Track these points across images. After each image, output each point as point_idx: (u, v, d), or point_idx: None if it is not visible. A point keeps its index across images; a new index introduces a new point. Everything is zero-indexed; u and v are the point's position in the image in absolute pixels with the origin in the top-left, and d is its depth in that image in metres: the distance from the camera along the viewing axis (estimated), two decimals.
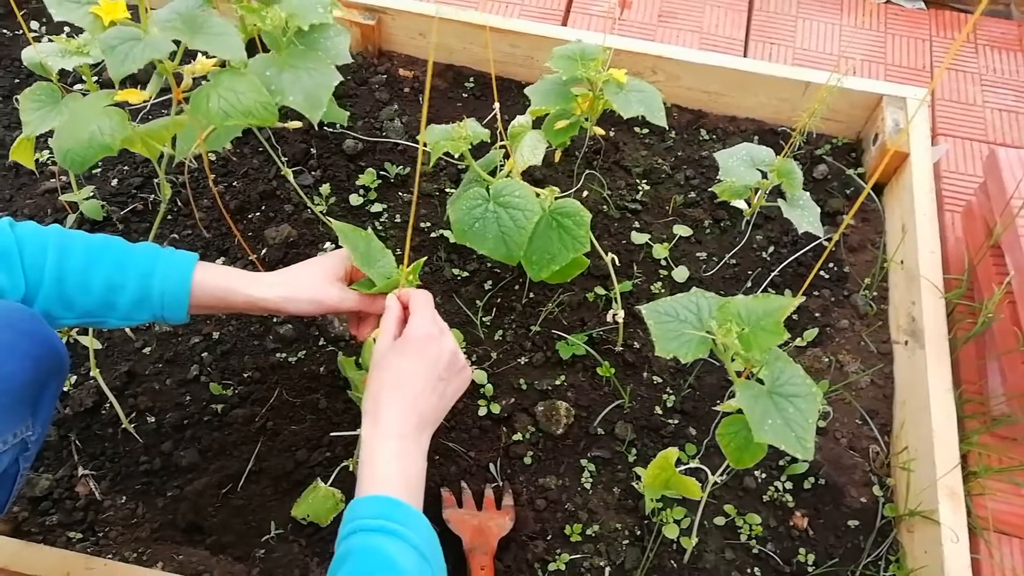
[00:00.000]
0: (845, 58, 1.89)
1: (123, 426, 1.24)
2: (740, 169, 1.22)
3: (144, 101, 0.97)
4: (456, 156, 1.14)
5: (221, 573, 1.13)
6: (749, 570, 1.17)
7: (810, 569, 1.18)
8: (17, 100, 1.10)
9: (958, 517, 1.12)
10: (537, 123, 1.28)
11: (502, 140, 1.24)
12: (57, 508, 1.19)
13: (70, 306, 0.91)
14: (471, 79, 1.71)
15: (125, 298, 0.93)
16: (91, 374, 1.20)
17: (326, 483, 1.14)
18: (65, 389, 1.28)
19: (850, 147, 1.64)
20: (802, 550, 1.19)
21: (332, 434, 1.23)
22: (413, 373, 0.90)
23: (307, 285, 0.98)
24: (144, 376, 1.30)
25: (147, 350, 1.33)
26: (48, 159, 1.53)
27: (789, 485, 1.24)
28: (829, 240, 1.47)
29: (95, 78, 1.15)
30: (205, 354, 1.33)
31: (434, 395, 0.91)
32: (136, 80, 1.54)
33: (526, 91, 1.26)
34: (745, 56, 1.89)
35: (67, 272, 0.90)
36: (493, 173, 1.19)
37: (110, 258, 0.93)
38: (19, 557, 1.08)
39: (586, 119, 1.28)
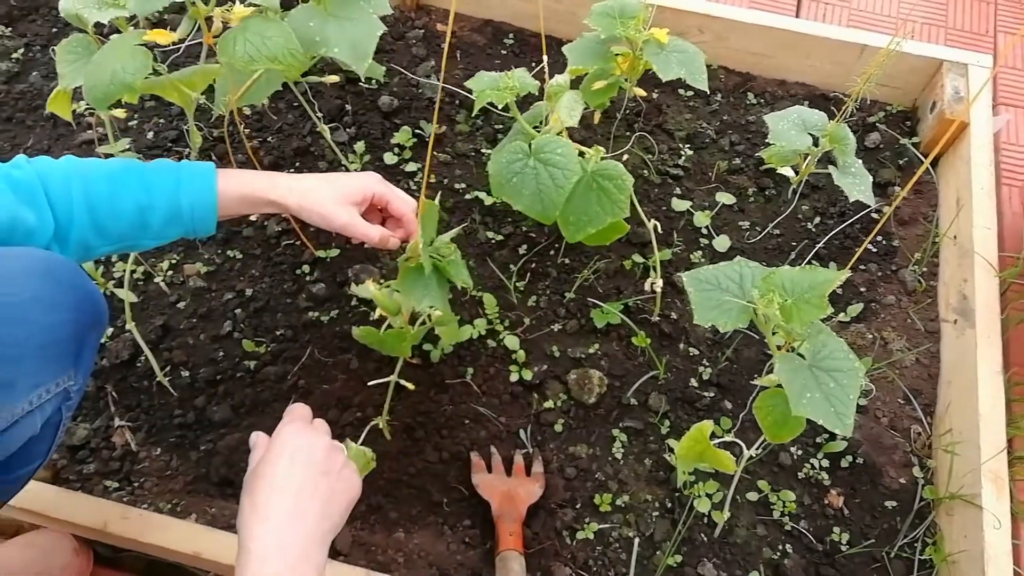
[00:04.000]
0: (904, 20, 1.80)
1: (158, 379, 1.25)
2: (791, 133, 1.17)
3: (173, 43, 0.96)
4: (500, 108, 1.11)
5: None
6: (781, 547, 1.16)
7: (843, 548, 1.15)
8: (54, 51, 1.09)
9: (1001, 503, 1.09)
10: (576, 83, 1.24)
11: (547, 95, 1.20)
12: (94, 457, 1.21)
13: (104, 233, 0.92)
14: (511, 35, 1.67)
15: (157, 217, 0.94)
16: (127, 327, 1.21)
17: (356, 442, 1.14)
18: (103, 341, 1.29)
19: (905, 115, 1.57)
20: (836, 529, 1.17)
21: (370, 382, 1.21)
22: (287, 474, 0.83)
23: (321, 200, 0.99)
24: (178, 330, 1.31)
25: (181, 305, 1.33)
26: (85, 110, 1.53)
27: (826, 463, 1.22)
28: (878, 212, 1.41)
29: (131, 29, 1.14)
30: (238, 310, 1.33)
31: (316, 497, 0.82)
32: (172, 28, 1.52)
33: (564, 49, 1.22)
34: (797, 16, 1.81)
35: (96, 200, 0.91)
36: (539, 129, 1.16)
37: (134, 180, 0.93)
38: (57, 504, 1.10)
39: (626, 80, 1.23)
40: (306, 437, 0.88)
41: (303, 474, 0.84)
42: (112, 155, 1.41)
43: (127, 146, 1.44)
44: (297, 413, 0.93)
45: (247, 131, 1.50)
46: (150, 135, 1.50)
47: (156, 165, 0.96)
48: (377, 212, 1.07)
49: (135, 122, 1.52)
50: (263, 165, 1.45)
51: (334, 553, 1.12)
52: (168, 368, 1.27)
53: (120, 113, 1.50)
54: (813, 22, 1.68)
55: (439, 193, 1.43)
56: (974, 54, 1.49)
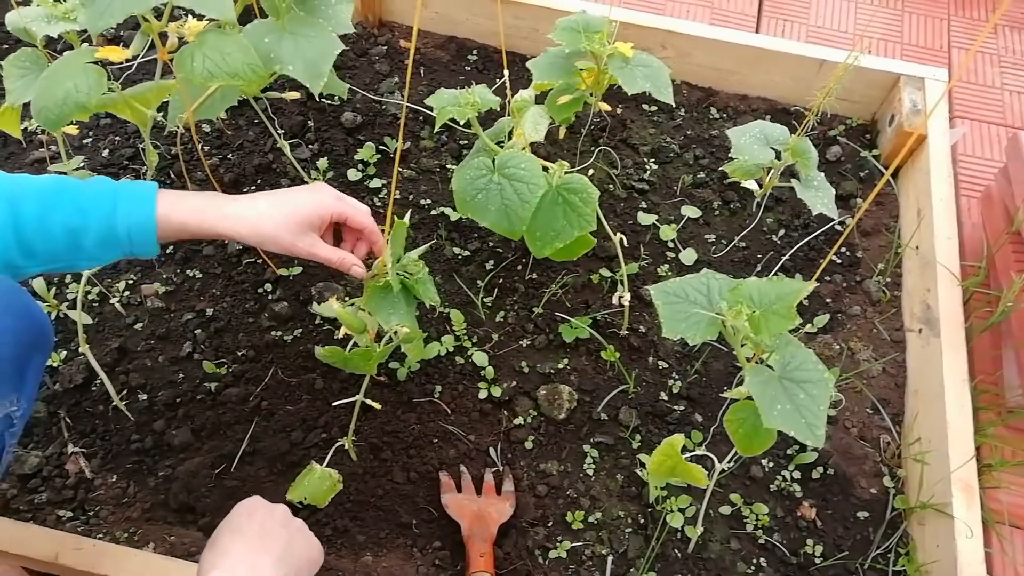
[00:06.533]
0: (861, 36, 1.83)
1: (114, 403, 1.20)
2: (753, 147, 1.18)
3: (126, 60, 0.93)
4: (462, 124, 1.10)
5: None
6: (755, 560, 1.14)
7: (817, 560, 1.15)
8: (1, 66, 1.06)
9: (972, 511, 1.09)
10: (540, 98, 1.24)
11: (510, 111, 1.19)
12: (47, 486, 1.16)
13: (32, 254, 0.88)
14: (474, 52, 1.66)
15: (90, 240, 0.89)
16: (80, 350, 1.16)
17: (321, 464, 1.11)
18: (55, 364, 1.25)
19: (864, 128, 1.59)
20: (809, 541, 1.16)
21: (335, 403, 1.19)
22: (248, 523, 0.84)
23: (278, 229, 0.94)
24: (135, 352, 1.27)
25: (139, 326, 1.29)
26: (37, 127, 1.49)
27: (797, 475, 1.21)
28: (842, 224, 1.43)
29: (84, 45, 1.11)
30: (198, 331, 1.29)
31: (277, 540, 0.84)
32: (126, 45, 1.49)
33: (528, 64, 1.22)
34: (758, 32, 1.84)
35: (24, 219, 0.86)
36: (502, 145, 1.15)
37: (67, 200, 0.88)
38: (7, 535, 1.05)
39: (591, 94, 1.23)
40: (262, 502, 0.88)
41: (262, 523, 0.84)
42: (65, 173, 1.37)
43: (81, 164, 1.40)
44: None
45: (206, 148, 1.47)
46: (105, 153, 1.46)
47: (93, 185, 0.91)
48: (332, 227, 1.03)
49: (89, 140, 1.48)
50: (223, 183, 1.42)
51: None
52: (125, 392, 1.23)
53: (72, 130, 1.46)
54: (773, 38, 1.70)
55: (408, 211, 1.41)
56: (930, 68, 1.52)
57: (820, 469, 1.21)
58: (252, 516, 0.85)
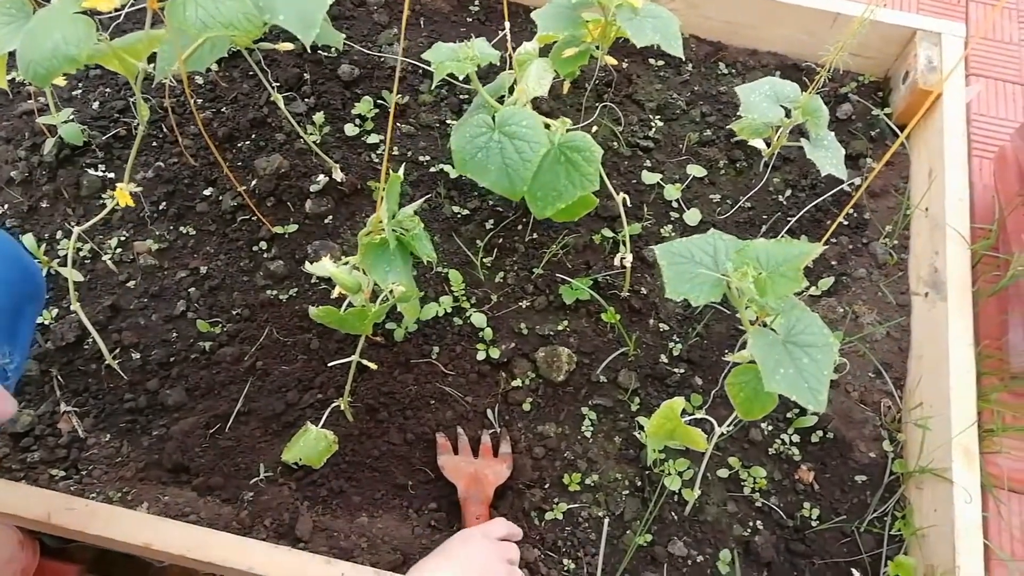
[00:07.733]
0: None
1: (107, 362, 1.19)
2: (763, 105, 1.14)
3: (115, 10, 0.89)
4: (461, 79, 1.06)
5: (208, 515, 1.09)
6: (751, 523, 1.14)
7: (813, 523, 1.14)
8: None
9: (971, 476, 1.08)
10: (545, 51, 1.19)
11: (511, 64, 1.15)
12: (39, 445, 1.15)
13: None
14: (476, 2, 1.61)
15: None
16: (72, 308, 1.14)
17: (316, 425, 1.10)
18: (46, 322, 1.23)
19: (876, 86, 1.55)
20: (806, 504, 1.16)
21: (331, 363, 1.17)
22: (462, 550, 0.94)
23: None
24: (128, 311, 1.25)
25: (131, 284, 1.27)
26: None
27: (796, 438, 1.20)
28: (850, 184, 1.39)
29: None
30: (192, 289, 1.27)
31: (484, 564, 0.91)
32: None
33: (532, 15, 1.17)
34: None
35: None
36: (502, 101, 1.11)
37: None
38: None
39: (597, 47, 1.19)
40: (479, 534, 0.99)
41: (469, 552, 0.94)
42: (54, 126, 1.34)
43: (70, 117, 1.36)
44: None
45: (199, 101, 1.43)
46: (95, 105, 1.42)
47: None
48: None
49: (79, 91, 1.44)
50: (217, 137, 1.39)
51: (294, 541, 1.08)
52: (118, 350, 1.21)
53: (61, 82, 1.42)
54: None
55: (403, 165, 1.38)
56: (948, 23, 1.47)
57: (819, 433, 1.20)
58: (465, 543, 0.95)
